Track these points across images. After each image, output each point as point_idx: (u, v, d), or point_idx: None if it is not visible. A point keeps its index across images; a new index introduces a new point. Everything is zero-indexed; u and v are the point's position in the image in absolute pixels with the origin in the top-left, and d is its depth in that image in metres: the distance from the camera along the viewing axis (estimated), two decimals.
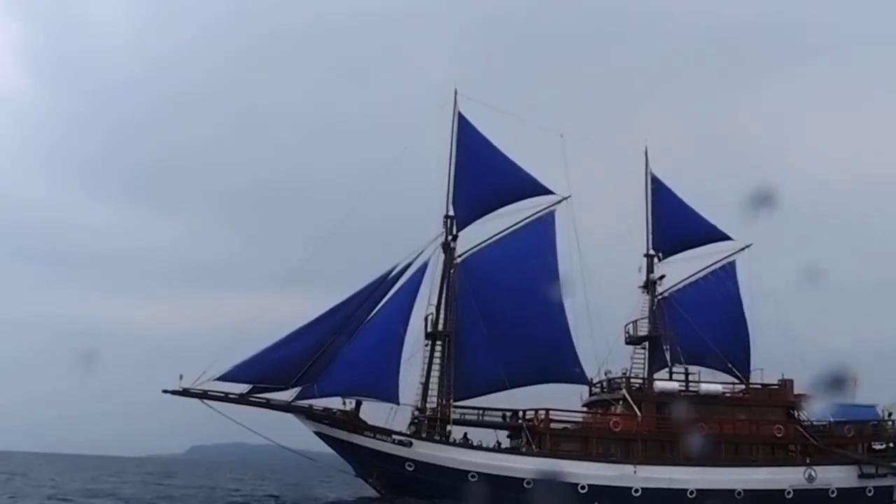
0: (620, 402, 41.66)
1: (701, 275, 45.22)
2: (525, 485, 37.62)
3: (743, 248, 44.88)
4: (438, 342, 40.89)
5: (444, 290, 41.34)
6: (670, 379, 43.31)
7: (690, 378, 43.28)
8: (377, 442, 38.31)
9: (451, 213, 42.25)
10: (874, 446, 42.64)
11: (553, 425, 40.40)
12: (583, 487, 37.80)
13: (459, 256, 42.22)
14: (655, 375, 43.70)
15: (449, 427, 39.75)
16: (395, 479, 38.38)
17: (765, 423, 41.99)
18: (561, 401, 41.79)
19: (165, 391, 36.62)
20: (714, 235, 45.19)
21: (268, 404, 37.96)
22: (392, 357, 38.84)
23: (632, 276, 44.99)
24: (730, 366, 43.92)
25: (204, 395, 36.95)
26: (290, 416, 38.64)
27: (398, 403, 38.78)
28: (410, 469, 38.05)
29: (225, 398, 37.35)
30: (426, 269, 40.61)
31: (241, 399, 37.56)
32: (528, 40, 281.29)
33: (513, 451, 39.98)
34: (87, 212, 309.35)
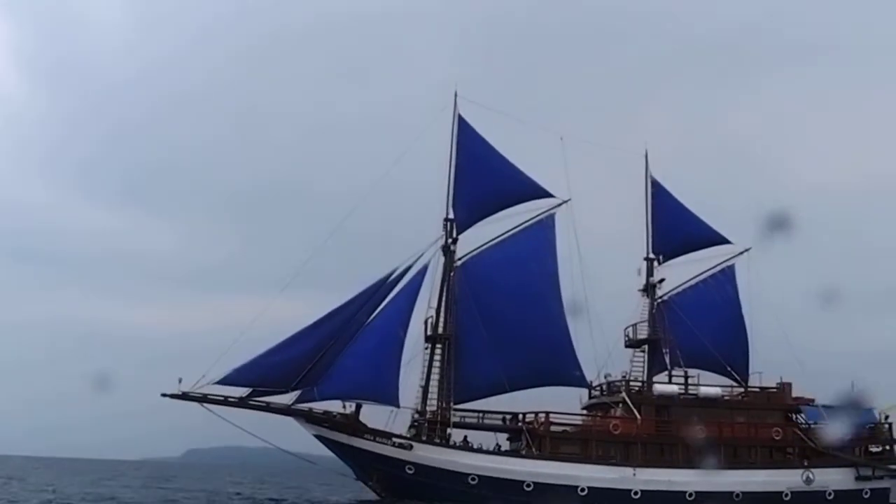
0: (620, 405, 41.77)
1: (700, 278, 45.44)
2: (525, 487, 37.74)
3: (742, 252, 45.09)
4: (438, 345, 40.94)
5: (444, 293, 41.39)
6: (670, 382, 43.44)
7: (690, 381, 43.46)
8: (377, 445, 38.32)
9: (451, 215, 42.30)
10: (871, 449, 42.81)
11: (553, 428, 40.48)
12: (582, 490, 37.97)
13: (459, 259, 42.26)
14: (655, 378, 43.83)
15: (449, 430, 39.80)
16: (396, 482, 38.40)
17: (763, 425, 42.20)
18: (560, 404, 41.91)
19: (164, 395, 36.59)
20: (713, 239, 45.43)
21: (268, 408, 37.96)
22: (392, 360, 38.85)
23: (631, 279, 45.22)
24: (729, 369, 44.17)
25: (203, 399, 36.89)
26: (289, 419, 38.62)
27: (398, 406, 38.82)
28: (410, 472, 38.09)
29: (225, 402, 37.28)
30: (426, 271, 40.68)
31: (241, 403, 37.51)
32: (529, 41, 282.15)
33: (513, 453, 40.04)
34: (84, 213, 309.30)
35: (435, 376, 40.55)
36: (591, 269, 41.08)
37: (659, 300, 45.11)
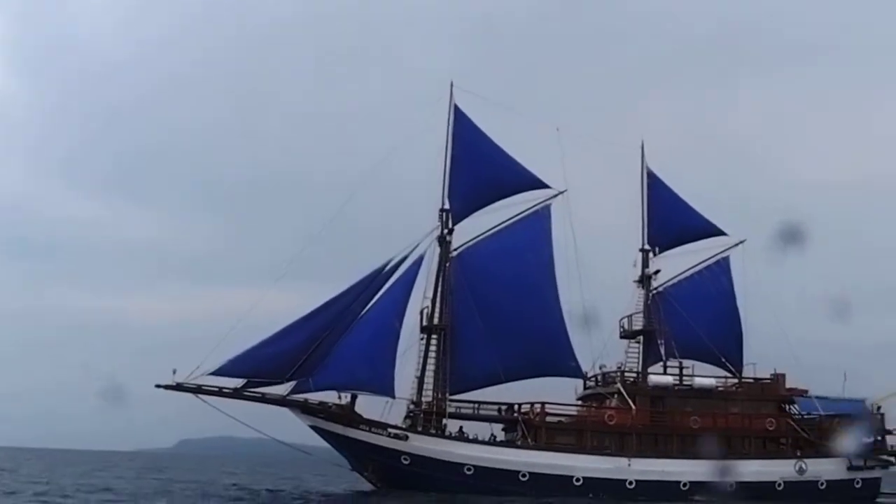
0: (615, 396, 41.91)
1: (695, 270, 45.46)
2: (520, 478, 37.85)
3: (737, 244, 45.17)
4: (434, 336, 40.95)
5: (440, 284, 41.39)
6: (664, 373, 43.59)
7: (684, 372, 43.62)
8: (373, 435, 38.37)
9: (447, 206, 42.26)
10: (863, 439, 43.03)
11: (548, 419, 40.63)
12: (577, 480, 38.13)
13: (455, 250, 42.25)
14: (650, 369, 43.94)
15: (444, 420, 39.91)
16: (391, 472, 38.48)
17: (757, 416, 42.39)
18: (556, 394, 42.08)
19: (159, 386, 36.54)
20: (709, 231, 45.46)
21: (263, 399, 37.92)
22: (387, 351, 38.87)
23: (627, 270, 45.24)
24: (723, 360, 44.25)
25: (198, 390, 36.87)
26: (284, 410, 38.59)
27: (394, 397, 38.85)
28: (406, 462, 38.16)
29: (219, 393, 37.24)
30: (422, 262, 40.66)
31: (236, 394, 37.45)
32: (527, 36, 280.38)
33: (508, 444, 40.15)
34: (70, 203, 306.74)
35: (430, 367, 40.56)
36: (587, 260, 41.19)
37: (654, 291, 45.14)
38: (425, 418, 39.58)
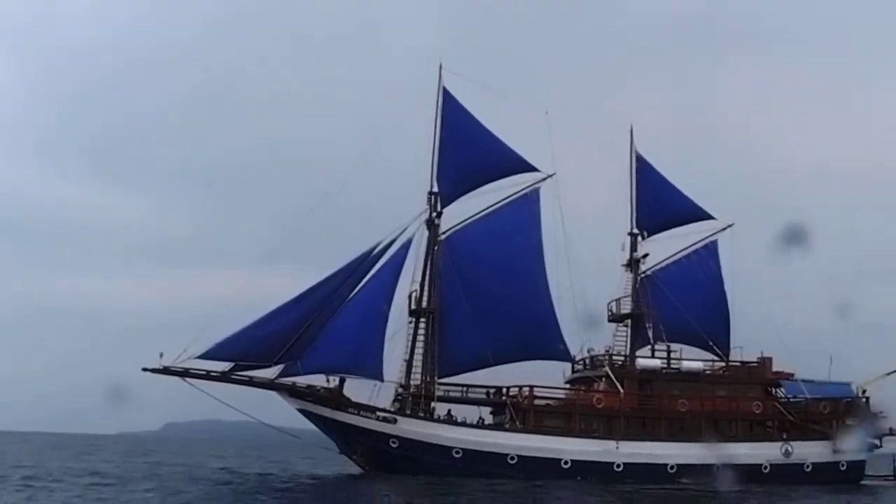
0: (603, 379, 42.04)
1: (684, 254, 45.58)
2: (509, 460, 37.93)
3: (725, 228, 45.26)
4: (422, 319, 40.90)
5: (428, 267, 41.30)
6: (652, 356, 43.74)
7: (672, 355, 43.73)
8: (361, 419, 38.36)
9: (436, 189, 42.09)
10: (848, 422, 43.34)
11: (536, 402, 40.72)
12: (566, 463, 38.28)
13: (444, 233, 42.14)
14: (638, 353, 44.10)
15: (433, 404, 39.95)
16: (380, 455, 38.49)
17: (744, 399, 42.62)
18: (544, 377, 42.19)
19: (146, 369, 36.23)
20: (697, 215, 45.51)
21: (251, 382, 37.77)
22: (376, 334, 38.80)
23: (615, 254, 45.30)
24: (710, 344, 44.47)
25: (185, 374, 36.66)
26: (271, 393, 38.50)
27: (382, 380, 38.84)
28: (395, 446, 38.17)
29: (207, 376, 37.11)
30: (410, 245, 40.54)
31: (224, 377, 37.33)
32: (513, 17, 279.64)
33: (497, 427, 40.22)
34: (48, 185, 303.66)
35: (419, 350, 40.54)
36: (576, 243, 41.17)
37: (642, 275, 45.27)
38: (414, 401, 39.59)
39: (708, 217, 45.60)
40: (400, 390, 40.12)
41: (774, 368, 43.74)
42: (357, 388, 38.76)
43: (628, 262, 45.34)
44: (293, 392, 38.28)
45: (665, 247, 45.54)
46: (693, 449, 39.38)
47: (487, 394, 41.39)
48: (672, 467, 39.08)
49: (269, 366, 37.68)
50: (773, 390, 43.72)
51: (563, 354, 42.29)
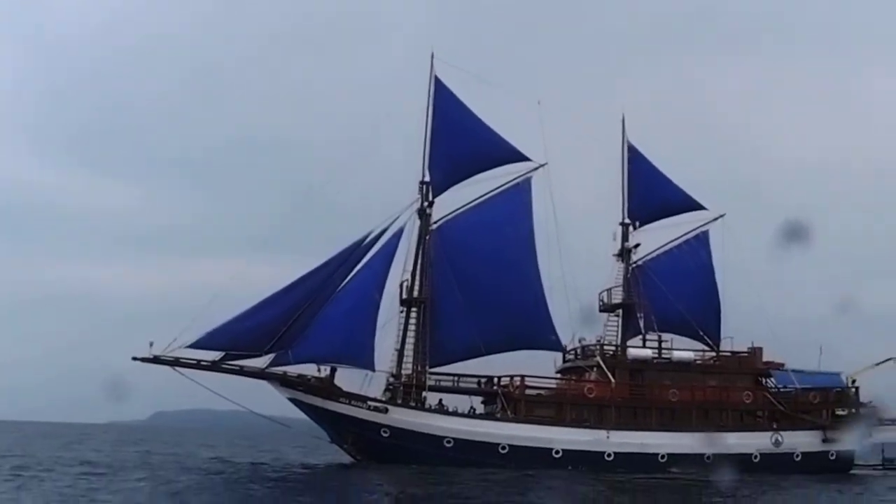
0: (594, 369, 42.07)
1: (675, 244, 45.61)
2: (500, 450, 37.96)
3: (716, 218, 45.30)
4: (414, 309, 40.82)
5: (420, 257, 41.18)
6: (643, 346, 43.79)
7: (663, 345, 43.78)
8: (352, 408, 38.31)
9: (427, 178, 41.92)
10: (838, 412, 43.57)
11: (528, 391, 40.73)
12: (557, 452, 38.33)
13: (435, 223, 42.02)
14: (629, 343, 44.13)
15: (424, 393, 39.88)
16: (371, 445, 38.44)
17: (734, 389, 42.70)
18: (535, 367, 42.20)
19: (135, 358, 36.09)
20: (689, 205, 45.51)
21: (241, 371, 37.63)
22: (367, 323, 38.71)
23: (607, 244, 45.25)
24: (701, 334, 44.54)
25: (176, 363, 36.51)
26: (262, 382, 38.37)
27: (374, 370, 38.78)
28: (386, 435, 38.13)
29: (197, 365, 36.95)
30: (401, 235, 40.45)
31: (214, 366, 37.17)
32: (507, 9, 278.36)
33: (488, 416, 40.22)
34: (37, 174, 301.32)
35: (410, 340, 40.49)
36: (567, 233, 41.14)
37: (633, 265, 45.27)
38: (405, 391, 39.54)
39: (699, 207, 45.61)
40: (391, 380, 40.07)
41: (765, 358, 43.86)
42: (348, 378, 38.76)
43: (619, 252, 45.31)
44: (284, 381, 38.16)
45: (656, 237, 45.67)
46: (683, 438, 39.61)
47: (479, 383, 41.37)
48: (663, 457, 39.20)
49: (260, 355, 37.56)
50: (764, 380, 43.87)
51: (555, 344, 42.30)
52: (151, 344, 35.78)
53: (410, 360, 40.28)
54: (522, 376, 40.82)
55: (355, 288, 39.04)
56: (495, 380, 41.21)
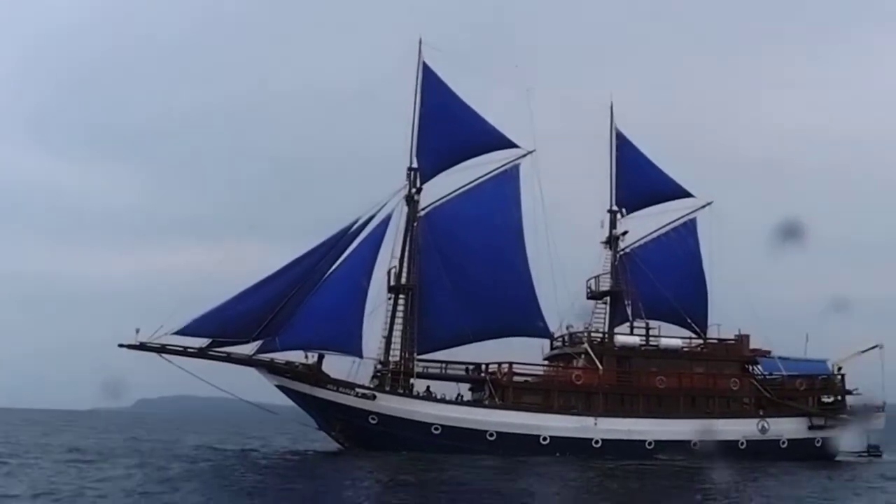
0: (582, 356, 42.12)
1: (662, 231, 45.61)
2: (488, 437, 37.98)
3: (704, 206, 45.32)
4: (402, 295, 40.69)
5: (408, 244, 41.01)
6: (631, 333, 43.84)
7: (651, 333, 43.86)
8: (340, 395, 38.22)
9: (415, 165, 41.71)
10: (823, 399, 43.87)
11: (515, 378, 40.74)
12: (544, 439, 38.40)
13: (423, 209, 41.87)
14: (616, 330, 44.18)
15: (412, 380, 39.80)
16: (359, 431, 38.39)
17: (721, 376, 42.86)
18: (523, 354, 42.18)
19: (122, 345, 35.83)
20: (677, 192, 45.46)
21: (229, 358, 37.46)
22: (355, 310, 38.60)
23: (595, 231, 45.22)
24: (688, 321, 44.62)
25: (162, 350, 36.28)
26: (249, 369, 38.19)
27: (361, 357, 38.70)
28: (374, 422, 38.08)
29: (184, 352, 36.76)
30: (389, 221, 40.32)
31: (201, 353, 37.03)
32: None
33: (475, 403, 40.21)
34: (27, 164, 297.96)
35: (398, 327, 40.39)
36: (555, 220, 41.11)
37: (621, 252, 45.26)
38: (393, 378, 39.47)
39: (687, 195, 45.57)
40: (379, 367, 39.97)
41: (751, 346, 44.02)
42: (336, 365, 38.69)
43: (607, 240, 45.30)
44: (271, 368, 38.02)
45: (644, 224, 45.62)
46: (671, 425, 39.81)
47: (466, 370, 41.36)
48: (650, 443, 39.37)
49: (248, 342, 37.44)
50: (750, 367, 44.01)
51: (542, 331, 42.32)
52: (138, 331, 35.56)
53: (398, 347, 40.20)
54: (510, 363, 40.84)
55: (343, 275, 38.89)
56: (483, 367, 41.20)
